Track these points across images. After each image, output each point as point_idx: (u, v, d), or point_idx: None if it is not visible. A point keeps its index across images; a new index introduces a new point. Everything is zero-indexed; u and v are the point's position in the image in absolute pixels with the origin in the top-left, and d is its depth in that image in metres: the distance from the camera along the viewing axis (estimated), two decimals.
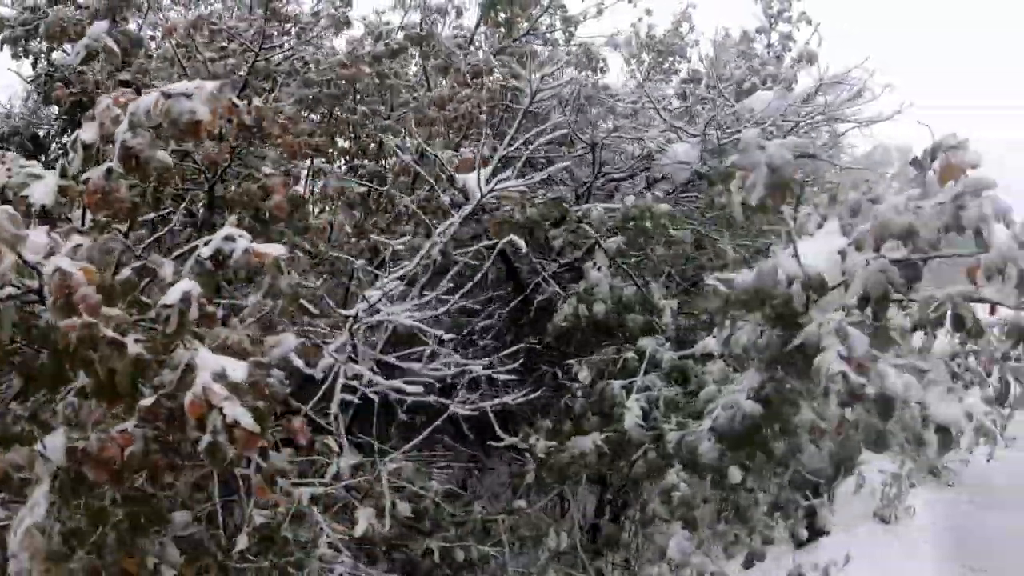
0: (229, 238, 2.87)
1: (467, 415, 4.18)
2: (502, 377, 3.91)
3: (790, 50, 7.30)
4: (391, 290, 3.30)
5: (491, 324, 5.14)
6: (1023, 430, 8.31)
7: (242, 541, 3.74)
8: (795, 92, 6.07)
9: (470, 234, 4.40)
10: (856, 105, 6.06)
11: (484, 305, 6.05)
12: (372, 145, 7.02)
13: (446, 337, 3.52)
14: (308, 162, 6.77)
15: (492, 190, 3.76)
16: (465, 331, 5.54)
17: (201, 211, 5.57)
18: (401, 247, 3.75)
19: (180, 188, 5.68)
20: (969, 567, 6.97)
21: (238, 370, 2.42)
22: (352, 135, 7.19)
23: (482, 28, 7.40)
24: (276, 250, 2.84)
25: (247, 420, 2.32)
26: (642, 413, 3.87)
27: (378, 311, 3.30)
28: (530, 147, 4.39)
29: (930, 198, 2.43)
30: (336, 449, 4.46)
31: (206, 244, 2.93)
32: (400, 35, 6.88)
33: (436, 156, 4.38)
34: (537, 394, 5.18)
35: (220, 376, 2.38)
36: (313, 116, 7.25)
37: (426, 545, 4.17)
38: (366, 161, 7.01)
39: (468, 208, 3.83)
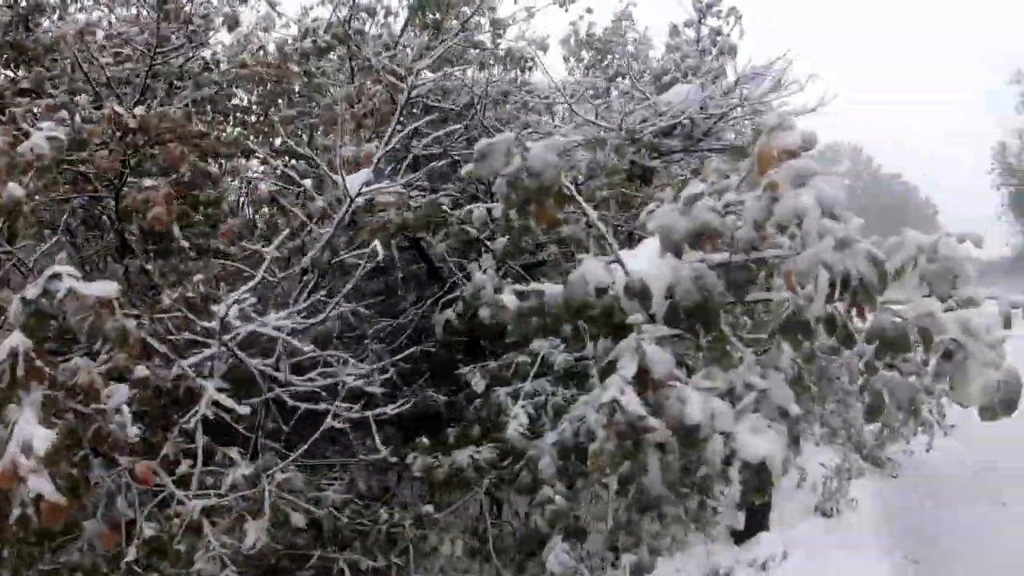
0: (55, 276, 2.74)
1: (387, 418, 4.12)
2: (373, 390, 3.83)
3: (717, 44, 7.21)
4: (238, 300, 3.21)
5: (403, 325, 5.06)
6: (963, 419, 8.30)
7: (131, 553, 3.71)
8: (716, 85, 5.97)
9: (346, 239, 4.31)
10: (781, 97, 5.97)
11: (413, 306, 5.97)
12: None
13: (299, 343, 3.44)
14: (239, 162, 6.72)
15: (360, 193, 3.67)
16: (383, 335, 5.47)
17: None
18: (278, 255, 3.66)
19: (95, 195, 5.60)
20: (912, 559, 6.92)
21: (42, 441, 2.38)
22: (284, 136, 7.10)
23: (410, 28, 7.29)
24: (102, 290, 2.72)
25: (51, 493, 2.32)
26: (529, 420, 3.79)
27: (231, 323, 3.22)
28: (421, 143, 4.29)
29: (753, 190, 2.29)
30: (237, 459, 4.43)
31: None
32: (328, 35, 6.78)
33: (312, 156, 4.29)
34: (450, 398, 5.13)
35: (28, 448, 2.34)
36: (249, 118, 7.18)
37: (318, 555, 4.10)
38: (299, 161, 6.93)
39: (341, 213, 3.74)
